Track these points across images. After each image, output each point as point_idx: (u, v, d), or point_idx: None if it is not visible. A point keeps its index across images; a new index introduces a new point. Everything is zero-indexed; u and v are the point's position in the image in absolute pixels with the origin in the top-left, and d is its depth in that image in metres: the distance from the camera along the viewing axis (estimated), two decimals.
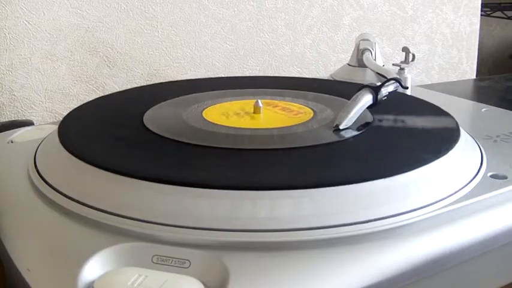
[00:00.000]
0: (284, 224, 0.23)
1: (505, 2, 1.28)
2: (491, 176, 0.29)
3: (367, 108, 0.35)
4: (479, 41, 0.85)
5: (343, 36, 0.72)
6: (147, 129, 0.33)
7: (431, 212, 0.25)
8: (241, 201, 0.24)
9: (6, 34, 0.51)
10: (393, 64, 0.49)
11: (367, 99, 0.35)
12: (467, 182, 0.28)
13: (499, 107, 0.44)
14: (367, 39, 0.52)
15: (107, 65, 0.57)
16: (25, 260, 0.23)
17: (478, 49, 0.86)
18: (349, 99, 0.35)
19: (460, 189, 0.27)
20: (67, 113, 0.37)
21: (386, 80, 0.38)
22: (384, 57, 0.56)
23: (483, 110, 0.44)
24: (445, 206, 0.25)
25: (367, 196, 0.25)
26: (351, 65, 0.54)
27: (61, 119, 0.36)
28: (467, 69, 0.86)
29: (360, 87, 0.35)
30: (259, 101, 0.37)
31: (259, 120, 0.35)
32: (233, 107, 0.38)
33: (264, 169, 0.27)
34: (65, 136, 0.31)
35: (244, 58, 0.65)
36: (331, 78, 0.54)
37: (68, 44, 0.55)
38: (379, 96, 0.35)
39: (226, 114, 0.36)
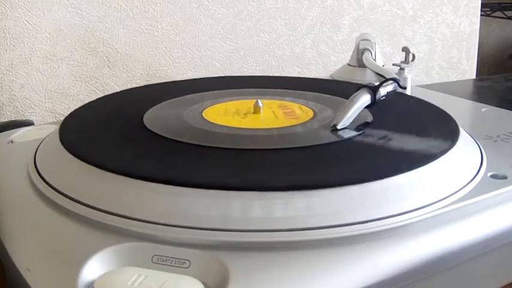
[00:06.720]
0: (284, 224, 0.23)
1: (505, 2, 1.28)
2: (491, 176, 0.29)
3: (366, 108, 0.35)
4: (479, 41, 0.85)
5: (343, 36, 0.72)
6: (147, 129, 0.33)
7: (431, 212, 0.25)
8: (241, 201, 0.24)
9: (6, 34, 0.51)
10: (393, 64, 0.49)
11: (365, 99, 0.34)
12: (467, 182, 0.28)
13: (499, 107, 0.44)
14: (367, 39, 0.52)
15: (107, 65, 0.57)
16: (25, 260, 0.23)
17: (478, 49, 0.86)
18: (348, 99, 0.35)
19: (460, 189, 0.27)
20: (67, 113, 0.37)
21: (385, 80, 0.38)
22: (384, 57, 0.56)
23: (483, 110, 0.44)
24: (445, 206, 0.25)
25: (367, 196, 0.25)
26: (351, 65, 0.54)
27: (61, 119, 0.36)
28: (467, 69, 0.86)
29: (358, 87, 0.35)
30: (259, 101, 0.37)
31: (259, 120, 0.35)
32: (233, 107, 0.38)
33: (263, 169, 0.27)
34: (65, 136, 0.31)
35: (244, 58, 0.65)
36: (331, 78, 0.54)
37: (68, 44, 0.55)
38: (377, 96, 0.35)
39: (226, 114, 0.36)
